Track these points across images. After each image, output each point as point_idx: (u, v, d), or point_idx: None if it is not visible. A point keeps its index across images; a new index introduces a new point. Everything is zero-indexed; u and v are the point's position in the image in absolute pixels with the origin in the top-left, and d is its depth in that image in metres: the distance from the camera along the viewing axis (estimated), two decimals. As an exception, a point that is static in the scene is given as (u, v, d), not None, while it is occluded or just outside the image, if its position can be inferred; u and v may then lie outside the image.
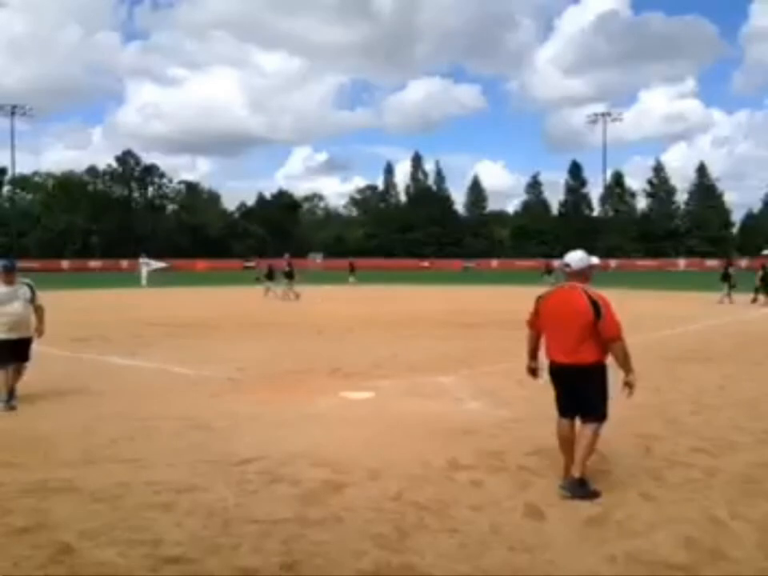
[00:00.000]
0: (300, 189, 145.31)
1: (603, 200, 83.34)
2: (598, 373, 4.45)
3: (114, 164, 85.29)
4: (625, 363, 4.41)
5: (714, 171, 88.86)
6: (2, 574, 3.37)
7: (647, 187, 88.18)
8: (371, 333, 14.08)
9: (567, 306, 4.47)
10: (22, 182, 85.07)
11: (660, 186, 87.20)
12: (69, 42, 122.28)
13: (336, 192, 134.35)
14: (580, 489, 4.37)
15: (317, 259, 72.85)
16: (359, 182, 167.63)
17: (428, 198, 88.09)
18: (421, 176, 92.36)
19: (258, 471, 4.91)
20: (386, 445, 5.64)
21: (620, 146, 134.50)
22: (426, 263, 73.13)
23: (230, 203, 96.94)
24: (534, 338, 4.82)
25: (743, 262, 45.63)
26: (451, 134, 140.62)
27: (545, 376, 4.77)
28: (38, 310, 7.44)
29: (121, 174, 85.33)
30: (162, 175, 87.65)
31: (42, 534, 3.81)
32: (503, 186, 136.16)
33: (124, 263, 62.93)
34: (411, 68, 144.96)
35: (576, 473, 4.42)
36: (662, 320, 16.45)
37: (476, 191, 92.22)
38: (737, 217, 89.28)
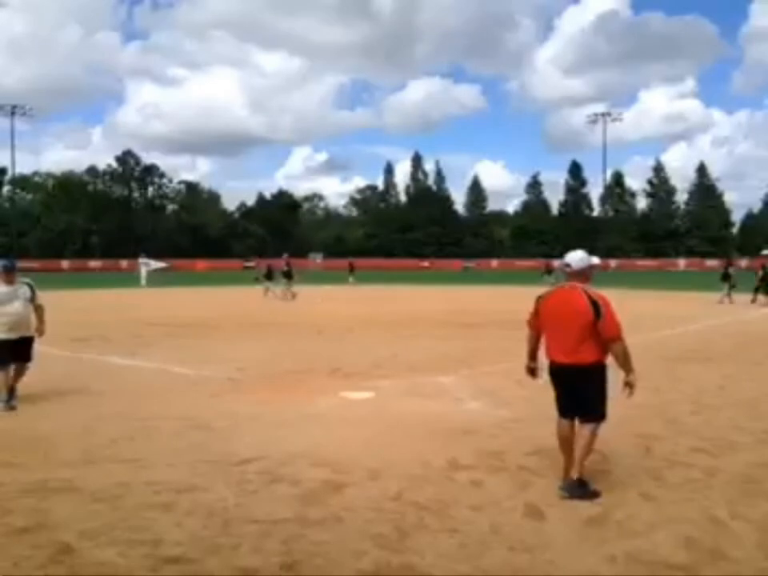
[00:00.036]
0: (300, 189, 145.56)
1: (603, 200, 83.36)
2: (597, 373, 4.44)
3: (114, 164, 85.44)
4: (625, 363, 4.40)
5: (714, 171, 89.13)
6: (2, 574, 3.37)
7: (647, 187, 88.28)
8: (371, 333, 14.08)
9: (567, 306, 4.47)
10: (22, 182, 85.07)
11: (660, 186, 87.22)
12: (69, 41, 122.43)
13: (336, 192, 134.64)
14: (579, 489, 4.37)
15: (317, 259, 72.86)
16: (359, 181, 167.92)
17: (428, 197, 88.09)
18: (421, 176, 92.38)
19: (257, 471, 4.91)
20: (386, 445, 5.64)
21: (620, 146, 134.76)
22: (426, 263, 73.13)
23: (230, 203, 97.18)
24: (534, 338, 4.82)
25: (743, 262, 45.63)
26: (451, 134, 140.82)
27: (544, 376, 4.77)
28: (38, 310, 7.44)
29: (121, 174, 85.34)
30: (162, 175, 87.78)
31: (42, 534, 3.81)
32: (503, 186, 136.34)
33: (124, 263, 62.91)
34: (411, 68, 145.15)
35: (574, 474, 4.42)
36: (661, 320, 16.45)
37: (476, 191, 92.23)
38: (737, 217, 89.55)
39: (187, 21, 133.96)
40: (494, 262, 74.65)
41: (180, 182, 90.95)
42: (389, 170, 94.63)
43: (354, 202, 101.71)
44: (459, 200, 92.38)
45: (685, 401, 7.38)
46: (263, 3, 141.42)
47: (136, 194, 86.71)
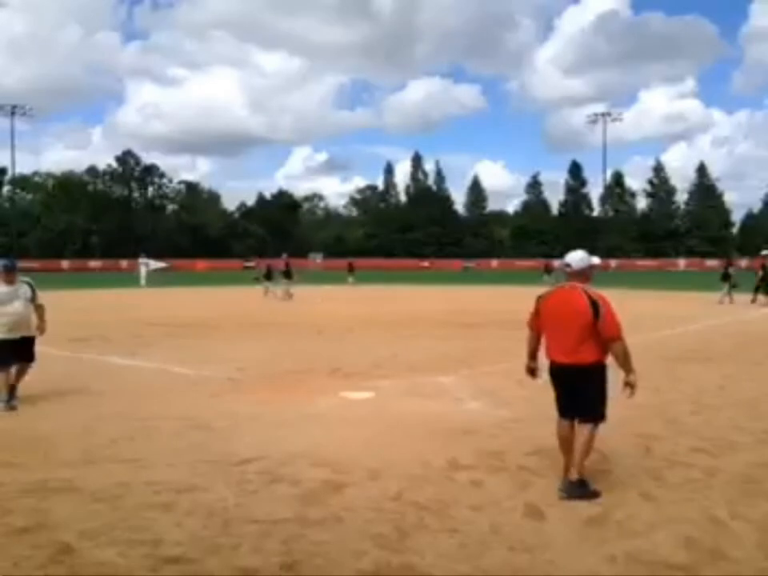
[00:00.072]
0: (300, 189, 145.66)
1: (603, 200, 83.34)
2: (597, 373, 4.44)
3: (114, 164, 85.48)
4: (625, 363, 4.40)
5: (714, 171, 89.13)
6: (2, 574, 3.37)
7: (647, 187, 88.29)
8: (371, 333, 14.08)
9: (567, 306, 4.47)
10: (22, 182, 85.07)
11: (660, 186, 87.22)
12: (69, 41, 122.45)
13: (336, 192, 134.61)
14: (579, 490, 4.37)
15: (317, 259, 72.87)
16: (359, 181, 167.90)
17: (428, 197, 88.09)
18: (421, 176, 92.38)
19: (257, 471, 4.91)
20: (386, 445, 5.64)
21: (620, 146, 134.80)
22: (426, 263, 73.14)
23: (230, 203, 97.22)
24: (534, 338, 4.81)
25: (743, 262, 45.65)
26: (451, 134, 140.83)
27: (544, 376, 4.77)
28: (39, 309, 7.44)
29: (121, 174, 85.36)
30: (162, 175, 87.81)
31: (42, 534, 3.81)
32: (503, 186, 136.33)
33: (124, 263, 62.92)
34: (411, 68, 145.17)
35: (574, 474, 4.41)
36: (662, 320, 16.45)
37: (476, 191, 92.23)
38: (737, 217, 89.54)
39: (187, 21, 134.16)
40: (494, 262, 74.65)
41: (180, 182, 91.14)
42: (389, 170, 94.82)
43: (354, 201, 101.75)
44: (459, 200, 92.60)
45: (685, 401, 7.38)
46: (263, 3, 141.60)
47: (136, 194, 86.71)
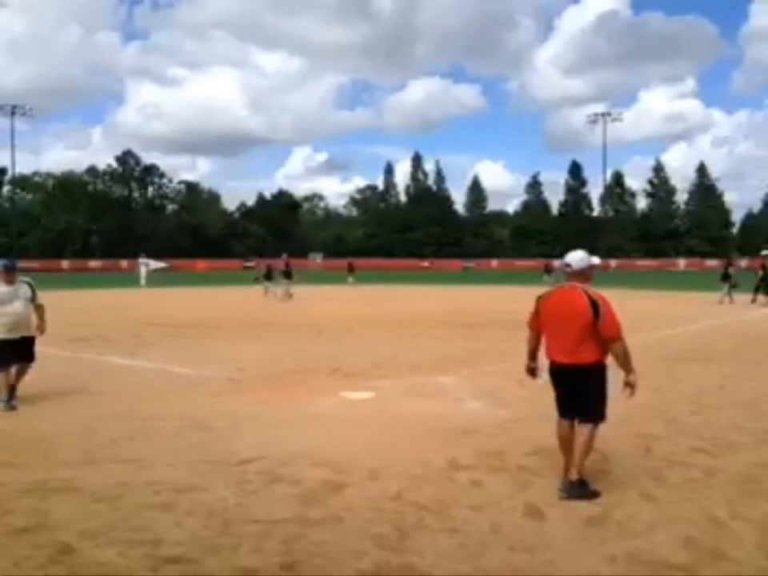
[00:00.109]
0: (300, 189, 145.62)
1: (603, 200, 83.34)
2: (597, 373, 4.44)
3: (114, 164, 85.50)
4: (625, 363, 4.40)
5: (713, 171, 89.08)
6: (2, 574, 3.37)
7: (647, 187, 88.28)
8: (371, 333, 14.08)
9: (567, 306, 4.47)
10: (22, 182, 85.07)
11: (660, 186, 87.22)
12: (69, 41, 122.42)
13: (336, 192, 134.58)
14: (579, 490, 4.37)
15: (317, 259, 72.88)
16: (359, 181, 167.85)
17: (428, 197, 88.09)
18: (421, 176, 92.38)
19: (257, 471, 4.91)
20: (386, 445, 5.64)
21: (620, 146, 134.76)
22: (426, 263, 73.14)
23: (230, 203, 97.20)
24: (535, 338, 4.81)
25: (743, 262, 45.66)
26: (451, 134, 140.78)
27: (544, 376, 4.77)
28: (39, 309, 7.45)
29: (121, 174, 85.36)
30: (162, 175, 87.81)
31: (42, 534, 3.81)
32: (503, 186, 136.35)
33: (124, 263, 62.92)
34: (411, 68, 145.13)
35: (573, 475, 4.41)
36: (662, 320, 16.45)
37: (476, 191, 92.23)
38: (737, 217, 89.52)
39: (187, 21, 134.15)
40: (494, 262, 74.65)
41: (180, 182, 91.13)
42: (389, 170, 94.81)
43: (354, 201, 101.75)
44: (459, 200, 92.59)
45: (685, 401, 7.38)
46: (263, 3, 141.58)
47: (136, 194, 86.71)
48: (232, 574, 3.38)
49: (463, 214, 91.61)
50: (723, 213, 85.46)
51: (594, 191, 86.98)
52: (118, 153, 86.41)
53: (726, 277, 22.69)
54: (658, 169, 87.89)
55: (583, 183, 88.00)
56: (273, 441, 5.74)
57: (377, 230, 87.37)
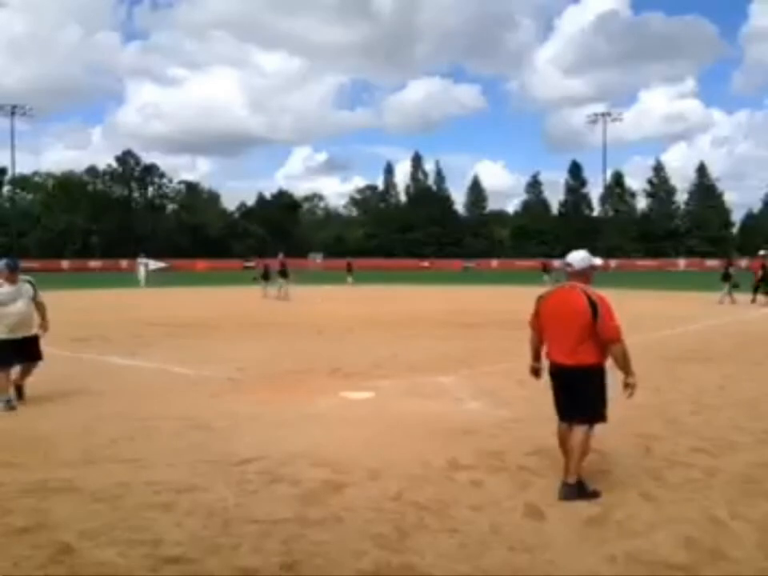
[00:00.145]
0: (300, 189, 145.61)
1: (603, 200, 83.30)
2: (596, 375, 4.42)
3: (114, 164, 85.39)
4: (624, 365, 4.39)
5: (713, 171, 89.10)
6: (2, 574, 3.37)
7: (647, 187, 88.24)
8: (371, 333, 14.08)
9: (566, 306, 4.46)
10: (22, 182, 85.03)
11: (660, 185, 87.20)
12: (69, 41, 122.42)
13: (336, 192, 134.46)
14: (577, 492, 4.36)
15: (317, 259, 72.87)
16: (359, 181, 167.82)
17: (428, 197, 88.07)
18: (421, 176, 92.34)
19: (257, 471, 4.91)
20: (386, 445, 5.64)
21: (620, 146, 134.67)
22: (426, 263, 73.12)
23: (230, 203, 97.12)
24: (537, 339, 4.79)
25: (743, 262, 45.66)
26: (451, 134, 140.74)
27: (546, 376, 4.76)
28: (40, 307, 7.46)
29: (121, 174, 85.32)
30: (162, 175, 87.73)
31: (42, 534, 3.81)
32: (503, 186, 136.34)
33: (124, 263, 62.88)
34: (411, 68, 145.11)
35: (571, 478, 4.40)
36: (662, 320, 16.45)
37: (476, 191, 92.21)
38: (737, 217, 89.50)
39: (187, 21, 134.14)
40: (494, 262, 74.64)
41: (180, 182, 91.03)
42: (389, 170, 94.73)
43: (354, 201, 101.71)
44: (459, 200, 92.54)
45: (685, 401, 7.38)
46: (263, 3, 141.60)
47: (136, 194, 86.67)
48: (232, 574, 3.38)
49: (463, 214, 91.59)
50: (723, 213, 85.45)
51: (594, 191, 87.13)
52: (118, 153, 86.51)
53: (726, 277, 22.69)
54: (658, 169, 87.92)
55: (583, 183, 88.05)
56: (273, 441, 5.74)
57: (377, 229, 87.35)
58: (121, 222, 79.19)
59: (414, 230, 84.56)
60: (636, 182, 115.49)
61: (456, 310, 20.14)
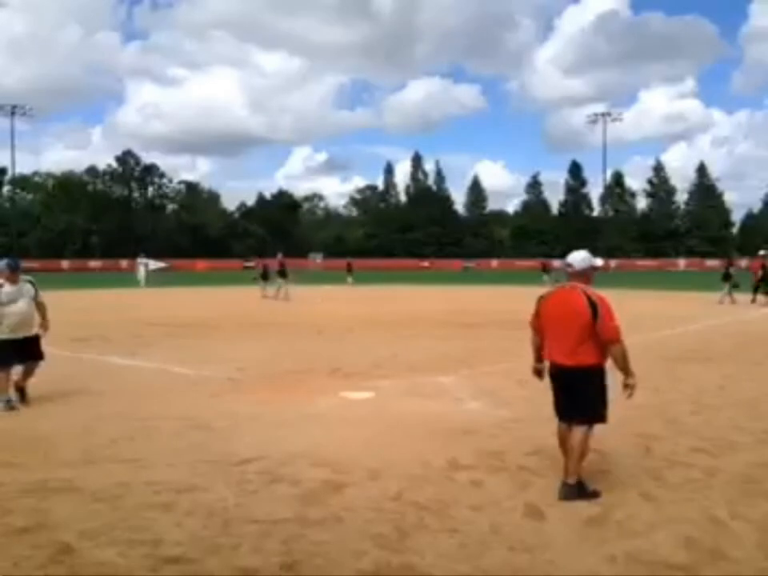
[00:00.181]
0: (300, 189, 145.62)
1: (603, 200, 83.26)
2: (596, 376, 4.42)
3: (114, 164, 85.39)
4: (624, 366, 4.39)
5: (713, 171, 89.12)
6: (2, 574, 3.37)
7: (647, 187, 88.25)
8: (371, 333, 14.08)
9: (566, 307, 4.46)
10: (22, 182, 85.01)
11: (660, 185, 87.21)
12: (69, 41, 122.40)
13: (336, 192, 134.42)
14: (577, 492, 4.36)
15: (317, 259, 72.87)
16: (359, 181, 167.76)
17: (428, 197, 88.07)
18: (421, 176, 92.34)
19: (257, 471, 4.91)
20: (386, 445, 5.64)
21: (620, 146, 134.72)
22: (426, 263, 73.13)
23: (230, 203, 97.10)
24: (538, 340, 4.78)
25: (743, 262, 45.67)
26: (451, 134, 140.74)
27: (547, 377, 4.76)
28: (41, 307, 7.46)
29: (121, 174, 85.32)
30: (162, 175, 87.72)
31: (42, 534, 3.81)
32: (503, 185, 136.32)
33: (124, 263, 62.88)
34: (411, 68, 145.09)
35: (571, 479, 4.40)
36: (662, 320, 16.45)
37: (476, 191, 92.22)
38: (737, 217, 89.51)
39: (187, 21, 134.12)
40: (494, 262, 74.65)
41: (180, 182, 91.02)
42: (389, 170, 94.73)
43: (354, 201, 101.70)
44: (459, 200, 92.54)
45: (685, 401, 7.38)
46: (263, 3, 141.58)
47: (136, 194, 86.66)
48: (232, 574, 3.38)
49: (463, 214, 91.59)
50: (723, 213, 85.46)
51: (594, 191, 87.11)
52: (118, 153, 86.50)
53: (727, 277, 22.68)
54: (658, 169, 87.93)
55: (583, 183, 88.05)
56: (273, 441, 5.74)
57: (377, 229, 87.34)
58: (121, 221, 79.19)
59: (414, 230, 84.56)
60: (636, 182, 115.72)
61: (456, 309, 20.14)
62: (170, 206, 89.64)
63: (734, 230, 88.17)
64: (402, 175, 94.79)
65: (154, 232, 79.79)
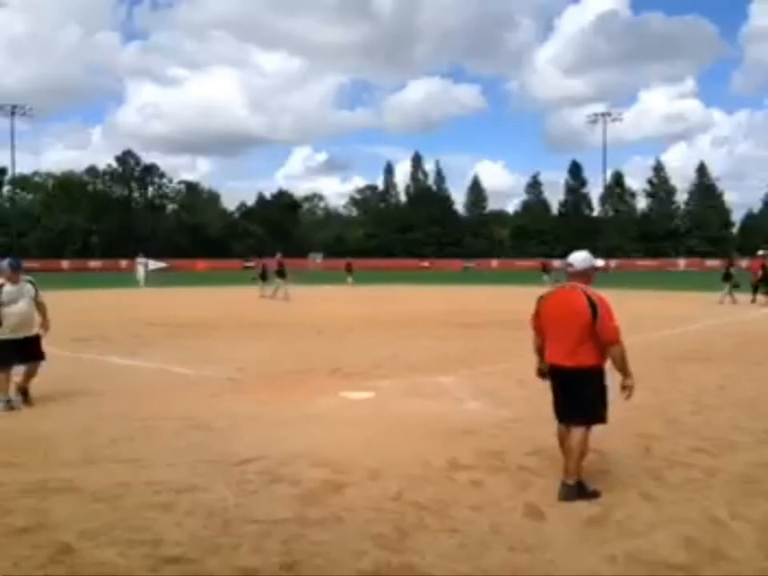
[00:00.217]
0: (300, 189, 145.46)
1: (603, 200, 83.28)
2: (595, 377, 4.41)
3: (114, 164, 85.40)
4: (622, 367, 4.38)
5: (713, 171, 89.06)
6: (2, 574, 3.37)
7: (647, 187, 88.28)
8: (371, 333, 14.08)
9: (566, 307, 4.45)
10: (22, 182, 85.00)
11: (660, 185, 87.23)
12: (69, 41, 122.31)
13: (336, 192, 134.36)
14: (577, 492, 4.36)
15: (317, 259, 72.87)
16: (359, 181, 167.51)
17: (428, 197, 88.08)
18: (421, 176, 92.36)
19: (257, 471, 4.91)
20: (386, 445, 5.64)
21: (620, 146, 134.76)
22: (426, 263, 73.14)
23: (230, 203, 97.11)
24: (539, 340, 4.76)
25: (743, 262, 45.67)
26: (451, 134, 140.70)
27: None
28: (41, 307, 7.45)
29: (121, 174, 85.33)
30: (161, 175, 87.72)
31: (42, 534, 3.81)
32: (503, 185, 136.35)
33: (124, 263, 62.82)
34: (411, 68, 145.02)
35: (570, 479, 4.40)
36: (662, 320, 16.45)
37: (476, 191, 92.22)
38: (737, 217, 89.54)
39: (187, 21, 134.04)
40: (494, 262, 74.66)
41: (180, 182, 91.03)
42: (389, 170, 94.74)
43: (354, 201, 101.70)
44: (459, 200, 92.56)
45: (685, 401, 7.38)
46: (263, 3, 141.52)
47: (136, 194, 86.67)
48: (232, 574, 3.38)
49: (463, 214, 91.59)
50: (723, 213, 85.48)
51: (594, 191, 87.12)
52: (118, 153, 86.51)
53: (727, 277, 22.68)
54: (658, 169, 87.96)
55: (583, 183, 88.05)
56: (273, 441, 5.74)
57: (377, 229, 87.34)
58: (121, 221, 79.19)
59: (414, 230, 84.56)
60: (636, 182, 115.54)
61: (456, 309, 20.14)
62: (170, 206, 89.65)
63: (734, 230, 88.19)
64: (402, 175, 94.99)
65: (153, 232, 79.79)
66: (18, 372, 7.28)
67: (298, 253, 65.23)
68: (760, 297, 21.89)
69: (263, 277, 26.91)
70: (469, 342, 12.46)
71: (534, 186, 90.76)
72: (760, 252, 24.19)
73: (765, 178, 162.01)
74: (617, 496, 4.42)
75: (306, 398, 7.55)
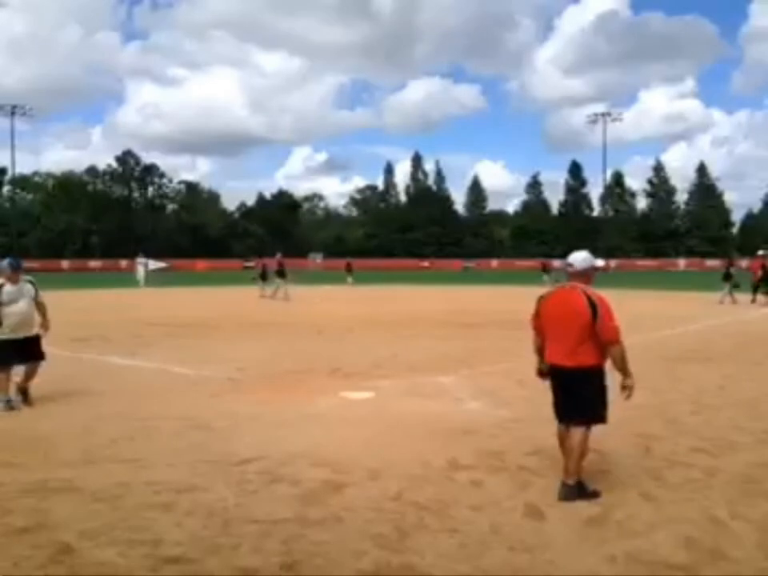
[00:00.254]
0: (300, 189, 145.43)
1: (603, 200, 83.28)
2: (595, 377, 4.41)
3: (114, 164, 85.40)
4: (622, 367, 4.38)
5: (713, 171, 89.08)
6: (2, 574, 3.37)
7: (647, 187, 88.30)
8: (371, 333, 14.08)
9: (566, 307, 4.45)
10: (22, 182, 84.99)
11: (660, 185, 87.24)
12: (69, 41, 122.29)
13: (336, 192, 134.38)
14: (577, 492, 4.36)
15: (317, 259, 72.88)
16: (359, 181, 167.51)
17: (428, 197, 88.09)
18: (421, 176, 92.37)
19: (257, 471, 4.91)
20: (386, 445, 5.64)
21: (620, 146, 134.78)
22: (426, 263, 73.14)
23: (230, 203, 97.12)
24: (539, 340, 4.76)
25: (743, 262, 45.67)
26: (451, 134, 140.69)
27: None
28: (41, 306, 7.45)
29: (121, 174, 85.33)
30: (161, 175, 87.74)
31: (42, 534, 3.81)
32: (503, 186, 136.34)
33: (124, 263, 62.82)
34: (411, 68, 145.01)
35: (570, 479, 4.40)
36: (662, 320, 16.45)
37: (476, 191, 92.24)
38: (737, 217, 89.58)
39: (187, 21, 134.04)
40: (494, 262, 74.67)
41: (180, 182, 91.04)
42: (389, 170, 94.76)
43: (354, 201, 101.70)
44: (459, 200, 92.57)
45: (685, 401, 7.38)
46: (263, 3, 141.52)
47: (136, 194, 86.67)
48: (232, 574, 3.38)
49: (463, 214, 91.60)
50: (723, 213, 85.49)
51: (594, 191, 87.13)
52: (118, 153, 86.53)
53: (727, 277, 22.68)
54: (658, 169, 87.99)
55: (583, 183, 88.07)
56: (273, 441, 5.74)
57: (377, 229, 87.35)
58: (121, 221, 79.20)
59: (414, 230, 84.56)
60: (636, 181, 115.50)
61: (456, 309, 20.14)
62: (170, 206, 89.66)
63: (734, 230, 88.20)
64: (402, 175, 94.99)
65: (153, 232, 79.79)
66: (18, 372, 7.28)
67: (298, 253, 65.23)
68: (760, 297, 21.89)
69: (263, 277, 26.90)
70: (469, 342, 12.46)
71: (534, 186, 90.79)
72: (760, 252, 24.18)
73: (765, 178, 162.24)
74: (617, 496, 4.42)
75: (306, 398, 7.55)
